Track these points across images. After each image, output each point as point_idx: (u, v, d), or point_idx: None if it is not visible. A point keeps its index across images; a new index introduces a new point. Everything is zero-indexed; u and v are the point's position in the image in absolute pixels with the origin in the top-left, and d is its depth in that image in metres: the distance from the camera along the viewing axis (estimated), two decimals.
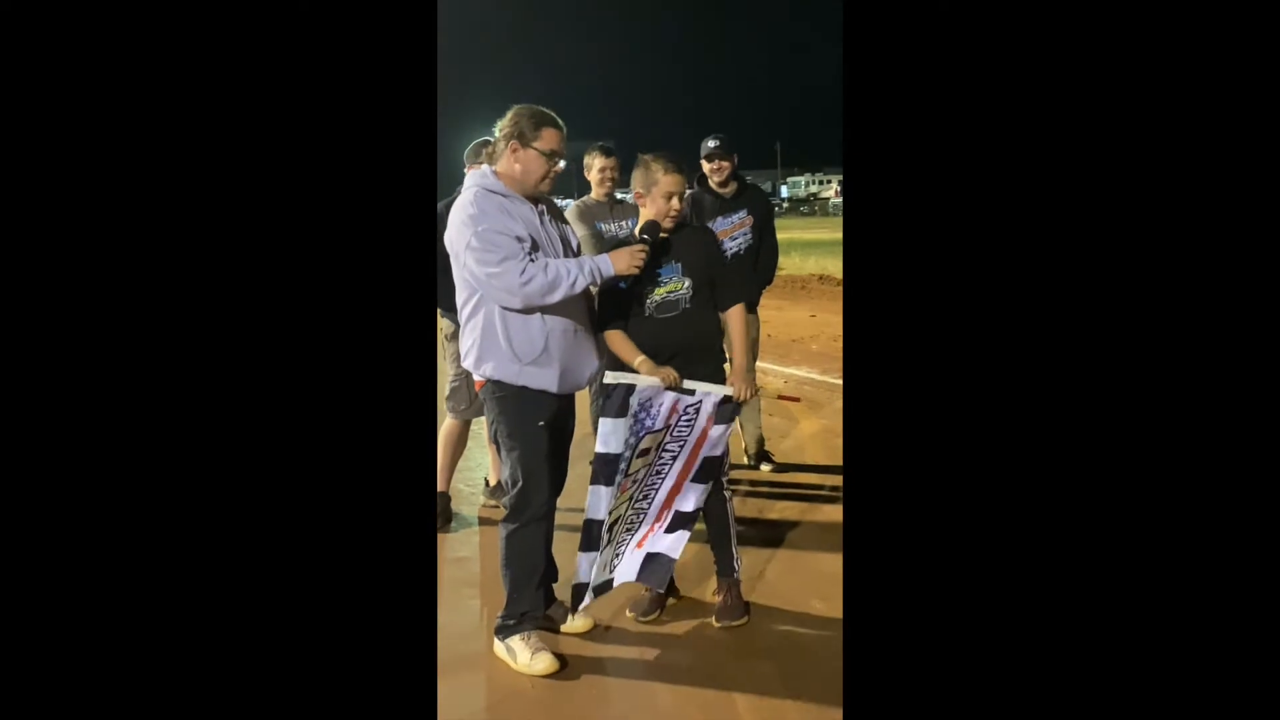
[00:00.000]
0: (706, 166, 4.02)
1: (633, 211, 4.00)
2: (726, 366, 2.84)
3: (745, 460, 4.28)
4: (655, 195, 2.65)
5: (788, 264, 13.36)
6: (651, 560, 2.78)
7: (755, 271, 4.08)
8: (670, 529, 2.77)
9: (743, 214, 4.05)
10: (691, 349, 2.70)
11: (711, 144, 4.01)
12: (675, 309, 2.68)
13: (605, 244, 3.48)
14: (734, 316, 2.79)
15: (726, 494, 2.83)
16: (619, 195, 4.05)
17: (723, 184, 4.04)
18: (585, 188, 4.08)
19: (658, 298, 2.67)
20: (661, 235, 2.65)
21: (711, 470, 2.72)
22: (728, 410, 2.66)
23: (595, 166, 3.90)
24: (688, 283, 2.68)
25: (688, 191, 2.69)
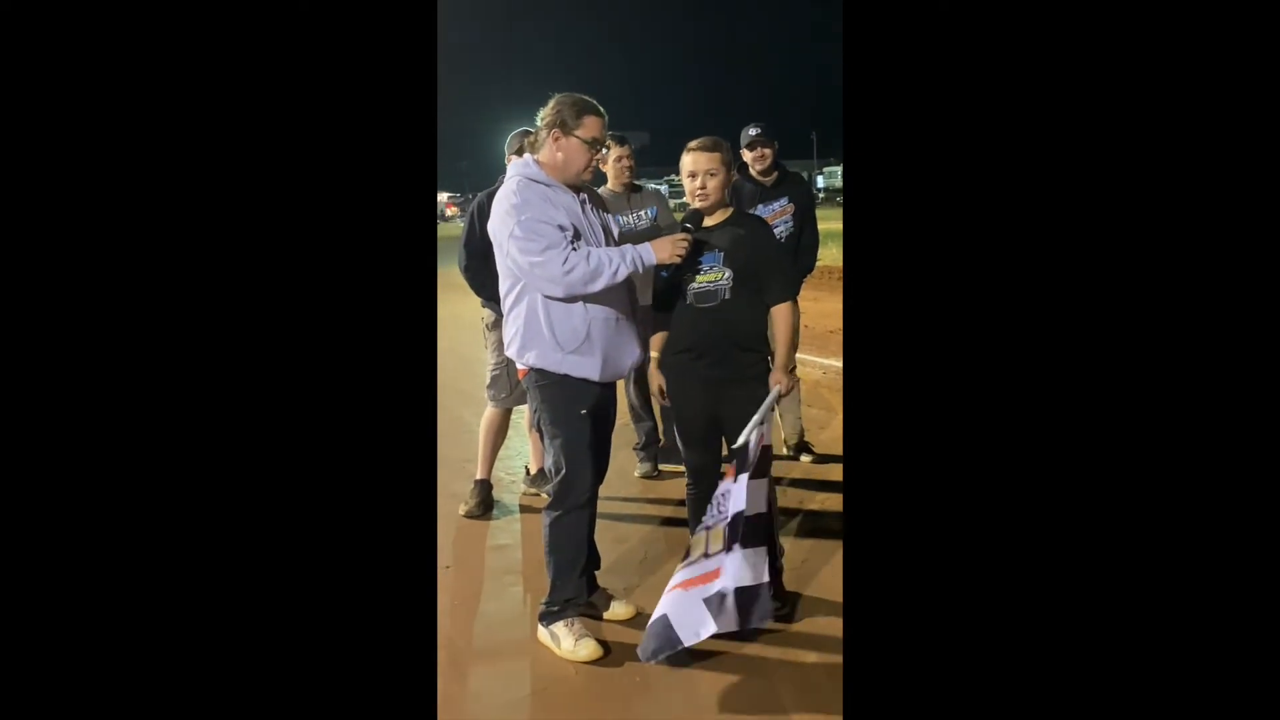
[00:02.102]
0: (748, 155, 4.00)
1: (652, 200, 3.99)
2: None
3: (785, 452, 4.26)
4: (683, 177, 2.66)
5: (824, 255, 13.24)
6: (744, 595, 2.23)
7: (796, 260, 4.05)
8: (742, 541, 2.26)
9: (784, 202, 4.02)
10: (728, 341, 2.67)
11: (753, 132, 3.98)
12: (713, 299, 2.65)
13: (621, 237, 3.47)
14: (781, 313, 2.72)
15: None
16: (638, 183, 4.03)
17: (764, 172, 4.01)
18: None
19: (697, 286, 2.65)
20: (706, 224, 2.65)
21: (763, 467, 2.48)
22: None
23: (611, 156, 3.85)
24: (728, 273, 2.64)
25: (719, 172, 2.66)
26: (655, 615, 2.33)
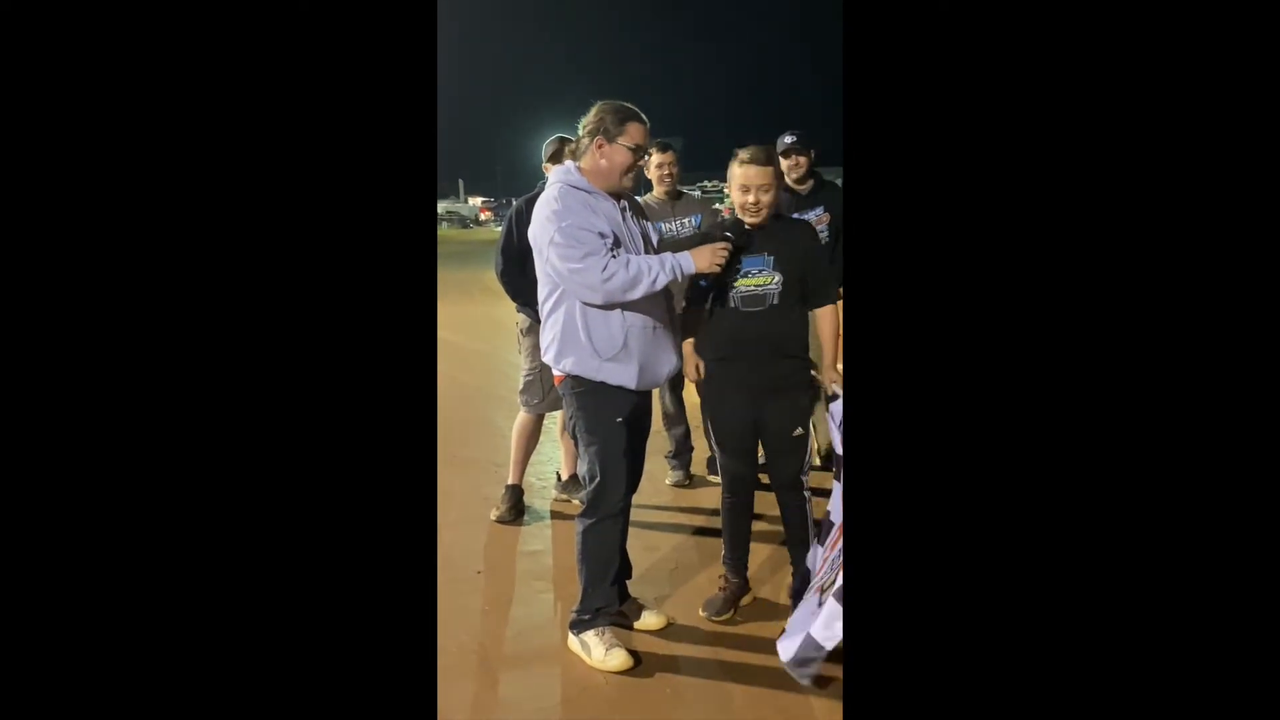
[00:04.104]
0: (783, 163, 3.97)
1: (696, 207, 3.96)
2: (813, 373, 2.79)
3: (818, 462, 4.22)
4: (733, 188, 2.64)
5: None
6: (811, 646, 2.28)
7: (832, 269, 4.01)
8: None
9: (819, 211, 3.99)
10: (774, 346, 2.65)
11: (788, 139, 3.95)
12: (762, 304, 2.62)
13: (664, 245, 3.46)
14: (826, 315, 2.72)
15: (806, 494, 2.78)
16: (681, 189, 4.01)
17: (799, 180, 3.98)
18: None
19: (743, 290, 2.62)
20: (747, 228, 2.63)
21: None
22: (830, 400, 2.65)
23: (653, 163, 3.82)
24: (777, 277, 2.61)
25: (772, 188, 2.64)
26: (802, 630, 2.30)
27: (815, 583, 2.49)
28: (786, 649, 2.31)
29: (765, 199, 2.59)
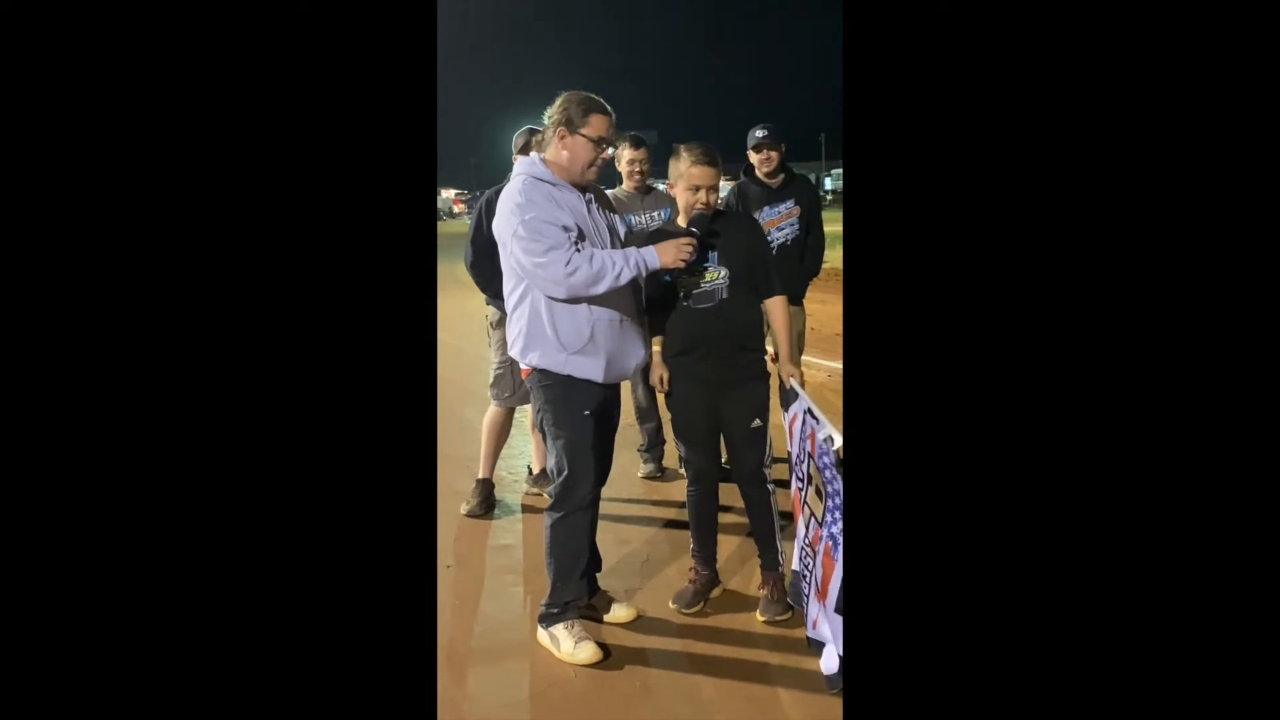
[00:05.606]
0: (754, 156, 3.98)
1: (665, 201, 3.96)
2: (772, 365, 2.80)
3: (786, 455, 4.23)
4: (681, 187, 2.64)
5: (832, 257, 13.25)
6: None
7: (802, 263, 4.03)
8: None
9: (790, 204, 4.00)
10: (727, 341, 2.67)
11: (760, 134, 3.96)
12: (711, 299, 2.65)
13: (632, 238, 3.45)
14: (776, 307, 2.76)
15: (770, 487, 2.80)
16: (650, 183, 4.00)
17: (770, 174, 3.99)
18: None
19: (695, 287, 2.65)
20: (709, 224, 2.63)
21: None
22: (786, 399, 2.67)
23: (625, 158, 3.82)
24: (724, 273, 2.64)
25: (724, 183, 2.65)
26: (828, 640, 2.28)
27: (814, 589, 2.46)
28: (829, 665, 2.23)
29: (713, 198, 2.64)
